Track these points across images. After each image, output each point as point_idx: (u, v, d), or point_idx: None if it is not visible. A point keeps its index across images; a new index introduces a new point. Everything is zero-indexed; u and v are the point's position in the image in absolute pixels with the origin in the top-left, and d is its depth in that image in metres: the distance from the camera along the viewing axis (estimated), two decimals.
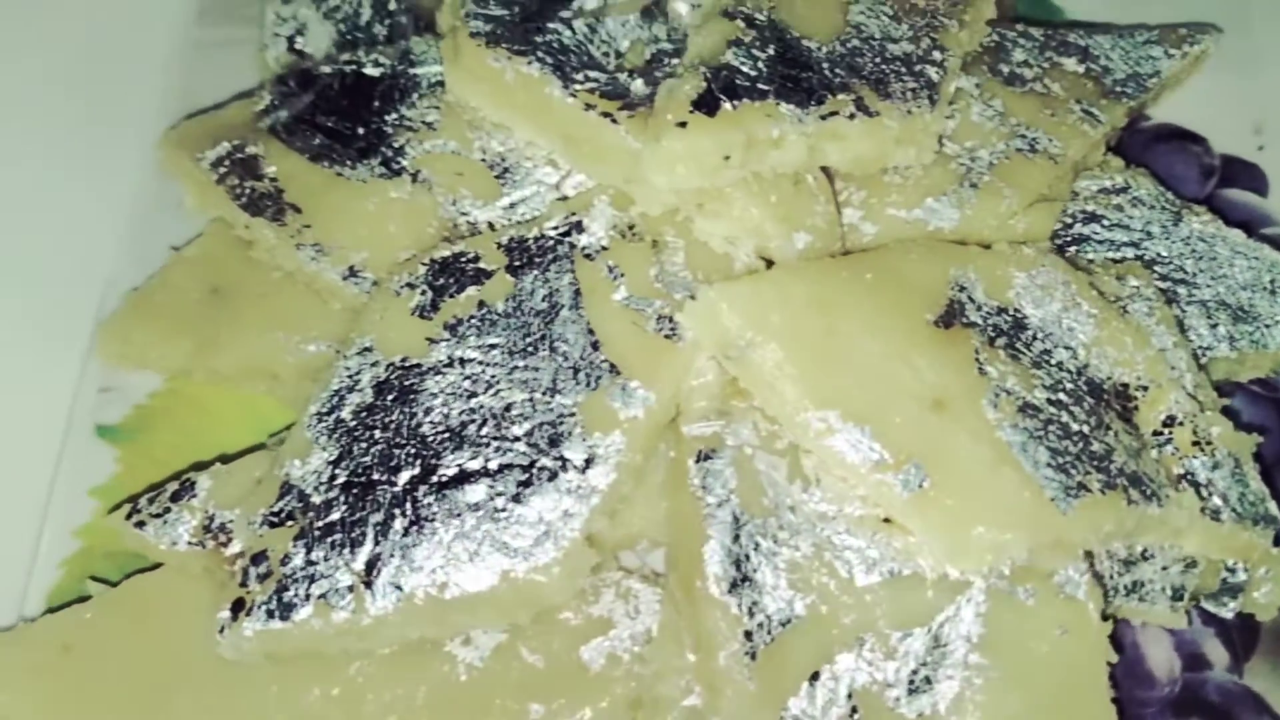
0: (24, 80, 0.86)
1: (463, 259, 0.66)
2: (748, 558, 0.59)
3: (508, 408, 0.61)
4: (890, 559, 0.60)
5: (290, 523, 0.60)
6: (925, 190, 0.69)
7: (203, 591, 0.63)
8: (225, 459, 0.66)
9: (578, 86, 0.66)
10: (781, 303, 0.61)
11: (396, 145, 0.71)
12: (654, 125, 0.61)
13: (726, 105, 0.61)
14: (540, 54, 0.66)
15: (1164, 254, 0.73)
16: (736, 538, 0.60)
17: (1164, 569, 0.64)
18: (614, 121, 0.64)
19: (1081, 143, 0.73)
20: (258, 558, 0.59)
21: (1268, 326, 0.71)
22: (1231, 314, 0.71)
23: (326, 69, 0.75)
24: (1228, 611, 0.66)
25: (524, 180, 0.70)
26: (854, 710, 0.58)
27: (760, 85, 0.63)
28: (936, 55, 0.69)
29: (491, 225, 0.69)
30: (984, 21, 0.74)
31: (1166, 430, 0.63)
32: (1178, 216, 0.75)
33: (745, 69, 0.63)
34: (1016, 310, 0.64)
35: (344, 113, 0.73)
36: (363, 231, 0.69)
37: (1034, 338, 0.63)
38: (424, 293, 0.65)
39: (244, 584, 0.58)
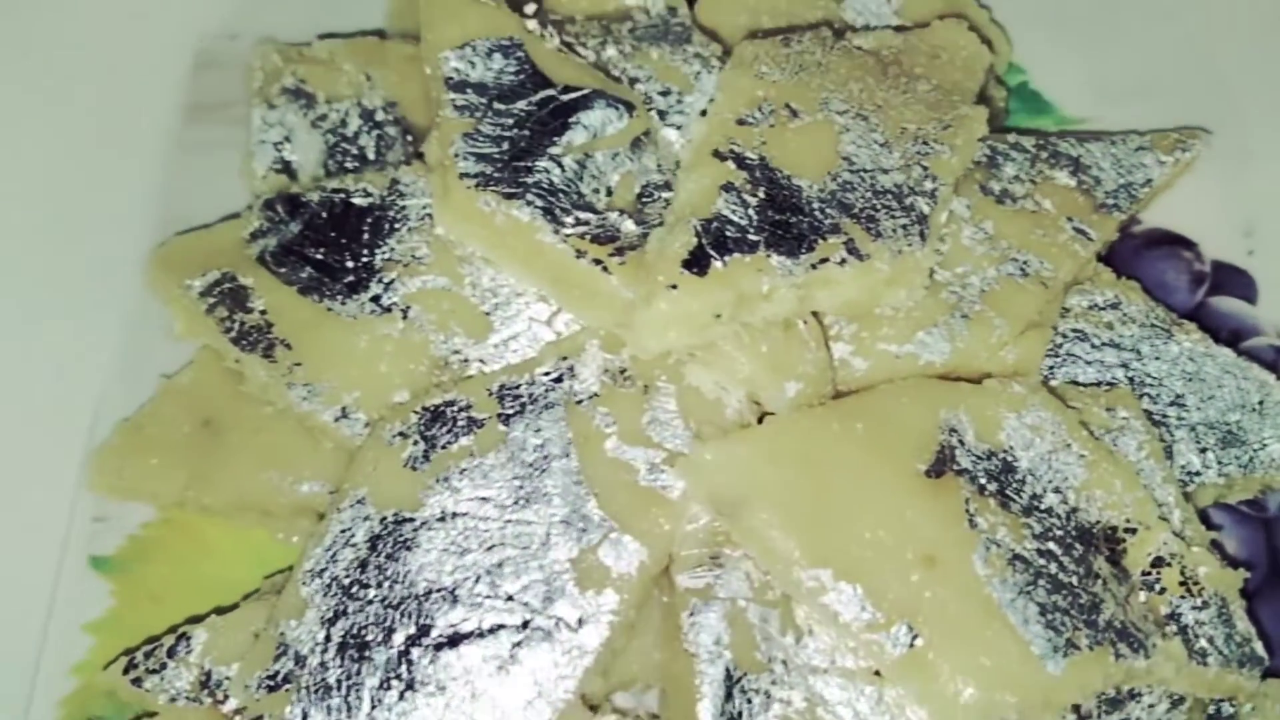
0: (10, 190, 0.85)
1: (454, 407, 0.65)
2: (740, 714, 0.60)
3: (500, 564, 0.62)
4: (881, 713, 0.61)
5: (286, 686, 0.60)
6: (916, 324, 0.69)
7: None
8: (221, 610, 0.66)
9: (568, 231, 0.65)
10: (773, 461, 0.61)
11: (386, 280, 0.70)
12: (645, 287, 0.61)
13: (717, 263, 0.61)
14: (530, 196, 0.66)
15: (1153, 374, 0.73)
16: (729, 694, 0.60)
17: (1151, 706, 0.65)
18: (605, 269, 0.64)
19: (1073, 264, 0.73)
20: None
21: (1256, 450, 0.71)
22: (1220, 438, 0.71)
23: (315, 196, 0.74)
24: None
25: (515, 317, 0.69)
26: None
27: (750, 236, 0.63)
28: (928, 185, 0.69)
29: (483, 362, 0.69)
30: (976, 140, 0.73)
31: (1154, 571, 0.64)
32: (1168, 334, 0.75)
33: (735, 218, 0.63)
34: (1007, 454, 0.65)
35: (333, 244, 0.72)
36: (354, 371, 0.69)
37: (1024, 482, 0.64)
38: (416, 443, 0.65)
39: None
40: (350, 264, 0.71)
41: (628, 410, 0.65)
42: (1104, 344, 0.74)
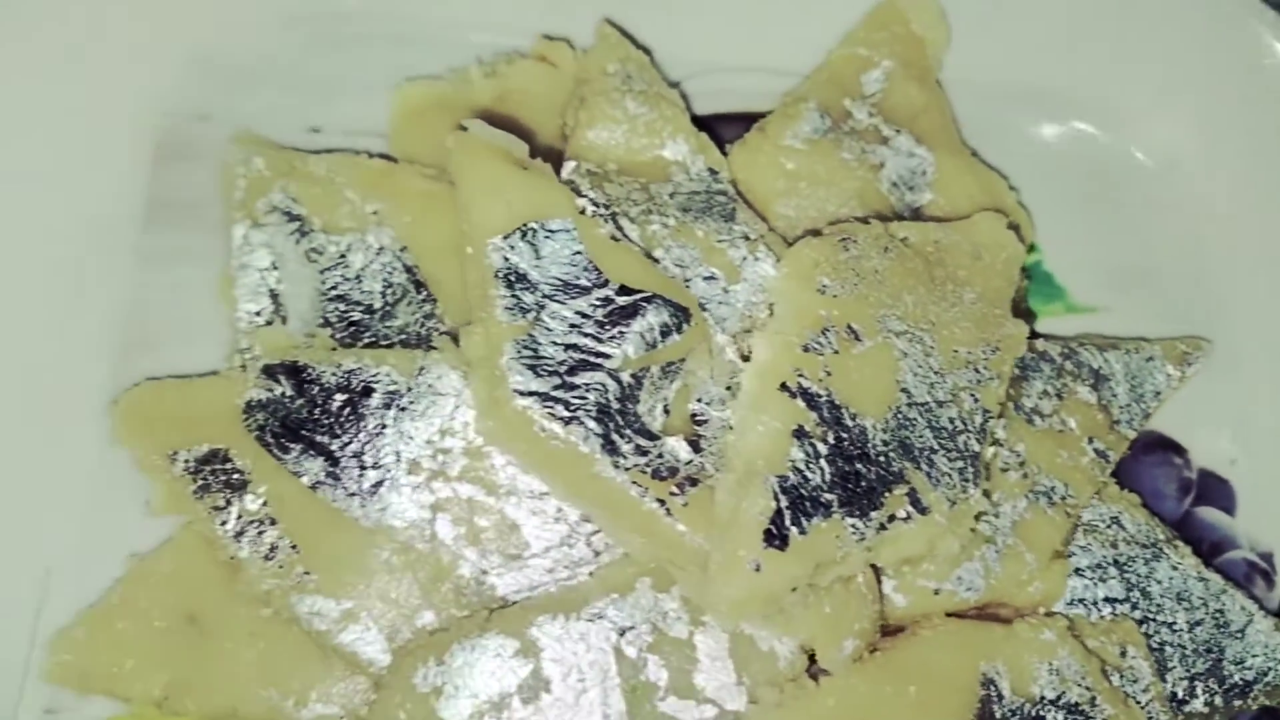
0: None
1: (491, 649, 0.61)
2: None
3: None
4: None
5: None
6: (954, 561, 0.69)
7: None
8: None
9: (628, 464, 0.61)
10: None
11: (411, 485, 0.64)
12: (723, 562, 0.58)
13: (797, 534, 0.59)
14: (588, 421, 0.61)
15: (1151, 595, 0.75)
16: None
17: None
18: (668, 511, 0.61)
19: (1092, 489, 0.75)
20: None
21: (1236, 680, 0.75)
22: (1208, 665, 0.75)
23: (327, 372, 0.66)
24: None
25: (550, 534, 0.65)
26: None
27: (824, 495, 0.61)
28: (978, 420, 0.68)
29: (517, 589, 0.64)
30: (1016, 359, 0.73)
31: None
32: (1163, 554, 0.77)
33: (810, 474, 0.61)
34: (1039, 707, 0.66)
35: (348, 433, 0.65)
36: (374, 587, 0.63)
37: None
38: (449, 689, 0.60)
39: None
40: (368, 460, 0.65)
41: (678, 661, 0.62)
42: (1109, 563, 0.76)
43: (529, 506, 0.65)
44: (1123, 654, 0.71)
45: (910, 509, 0.63)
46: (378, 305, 0.73)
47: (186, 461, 0.65)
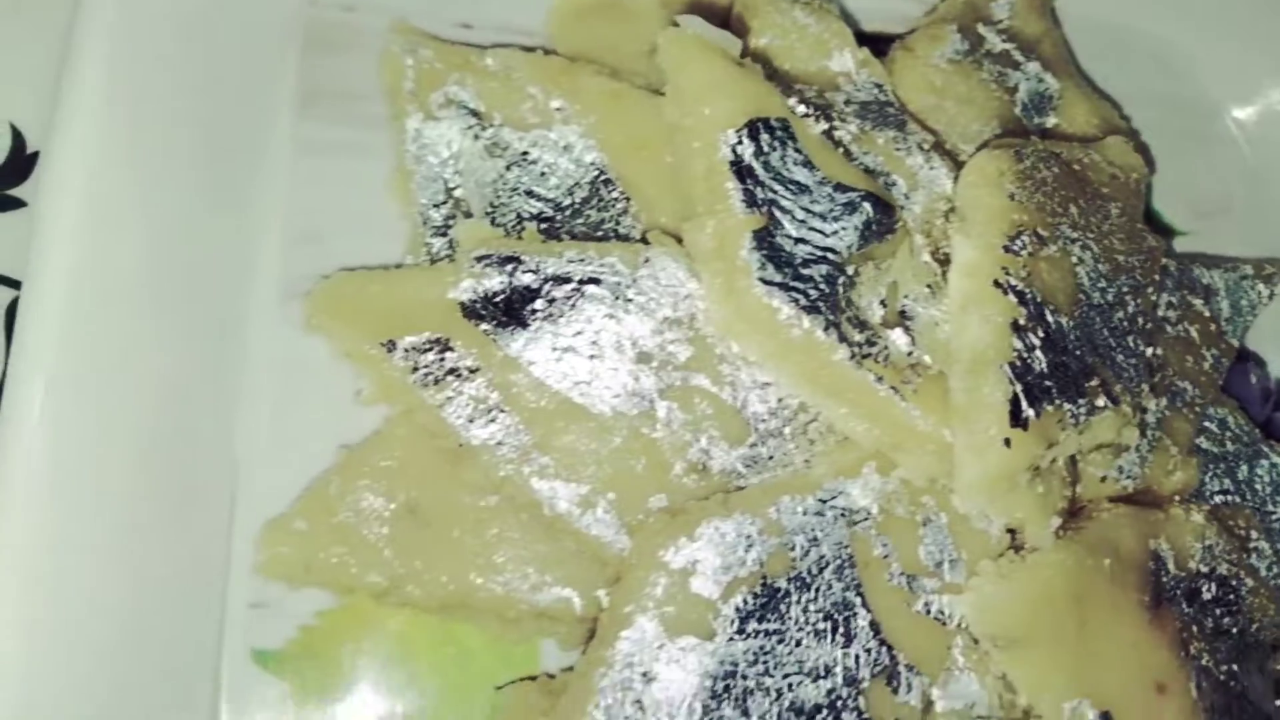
0: (107, 193, 0.67)
1: (737, 528, 0.63)
2: None
3: (796, 701, 0.61)
4: None
5: None
6: (1115, 453, 0.74)
7: None
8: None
9: (860, 352, 0.64)
10: (1048, 601, 0.64)
11: (640, 375, 0.65)
12: (976, 438, 0.61)
13: (1032, 416, 0.63)
14: (824, 310, 0.63)
15: (1255, 488, 0.83)
16: None
17: None
18: (902, 398, 0.64)
19: (1213, 392, 0.81)
20: None
21: None
22: None
23: (548, 264, 0.66)
24: None
25: (771, 423, 0.67)
26: None
27: (1045, 383, 0.65)
28: (1140, 321, 0.74)
29: (740, 472, 0.66)
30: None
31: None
32: (1256, 453, 0.85)
33: (1031, 363, 0.65)
34: (1196, 581, 0.72)
35: (574, 323, 0.65)
36: (607, 471, 0.64)
37: (1211, 608, 0.72)
38: (700, 567, 0.62)
39: None
40: (595, 349, 0.65)
41: (904, 538, 0.65)
42: (1219, 459, 0.83)
43: (751, 395, 0.67)
44: (1247, 537, 0.79)
45: (1105, 399, 0.68)
46: (565, 203, 0.73)
47: (406, 350, 0.64)
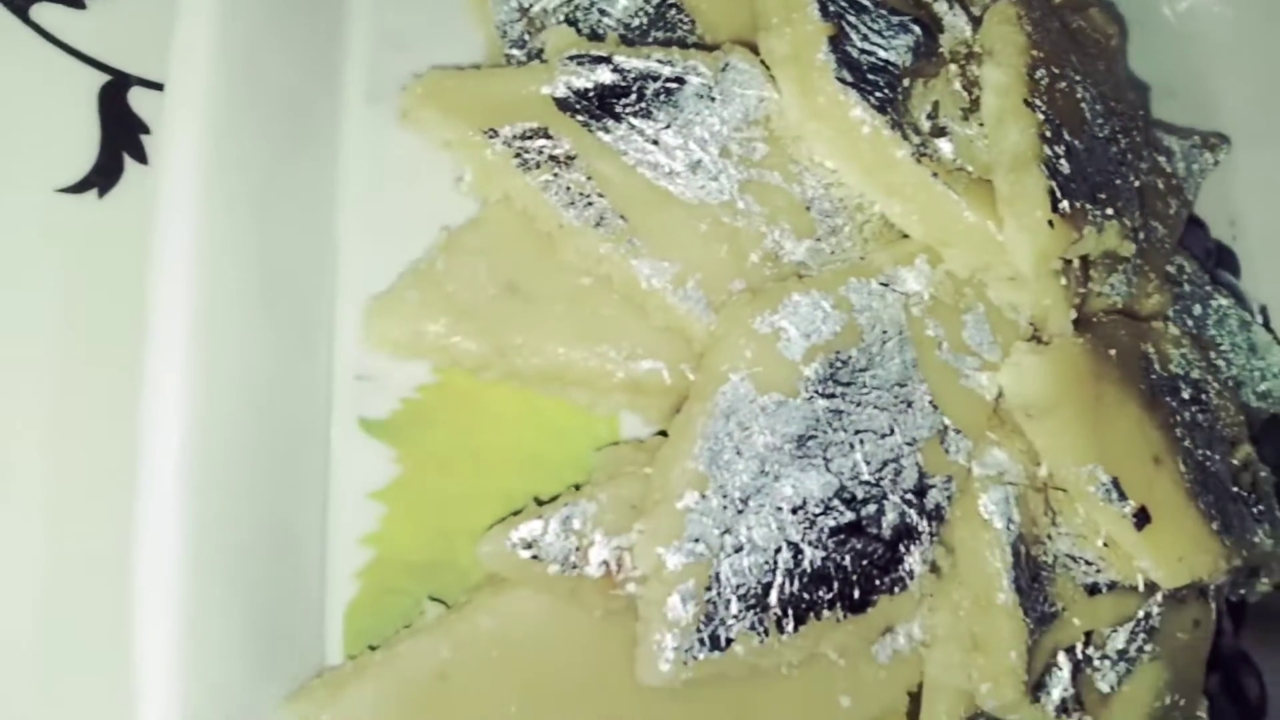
0: None
1: (812, 301, 0.69)
2: (1024, 574, 0.73)
3: (872, 453, 0.68)
4: (1108, 572, 0.77)
5: (698, 552, 0.63)
6: (1109, 270, 0.85)
7: (567, 620, 0.64)
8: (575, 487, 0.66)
9: (918, 151, 0.71)
10: (1074, 375, 0.74)
11: (720, 168, 0.71)
12: (1025, 220, 0.69)
13: (1066, 206, 0.71)
14: (890, 110, 0.71)
15: (1199, 316, 0.95)
16: (1017, 560, 0.73)
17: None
18: (954, 193, 0.72)
19: (1176, 233, 0.93)
20: (681, 590, 0.62)
21: (1258, 386, 0.97)
22: (1240, 374, 0.96)
23: (636, 63, 0.71)
24: (1234, 597, 0.92)
25: (835, 220, 0.74)
26: (1075, 690, 0.76)
27: (1071, 184, 0.74)
28: (1130, 158, 0.84)
29: (805, 263, 0.73)
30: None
31: (1245, 473, 0.87)
32: (1211, 293, 0.98)
33: (1060, 168, 0.74)
34: (1179, 382, 0.83)
35: (664, 119, 0.71)
36: (695, 254, 0.70)
37: (1192, 404, 0.83)
38: (785, 333, 0.68)
39: (672, 618, 0.61)
40: (684, 143, 0.71)
41: (951, 320, 0.73)
42: (1177, 298, 0.95)
43: (817, 193, 0.73)
44: (1210, 361, 0.91)
45: (1112, 210, 0.77)
46: (634, 24, 0.78)
47: (507, 138, 0.68)
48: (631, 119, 0.70)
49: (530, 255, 0.69)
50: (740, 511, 0.64)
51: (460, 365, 0.69)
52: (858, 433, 0.69)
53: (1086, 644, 0.77)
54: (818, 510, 0.66)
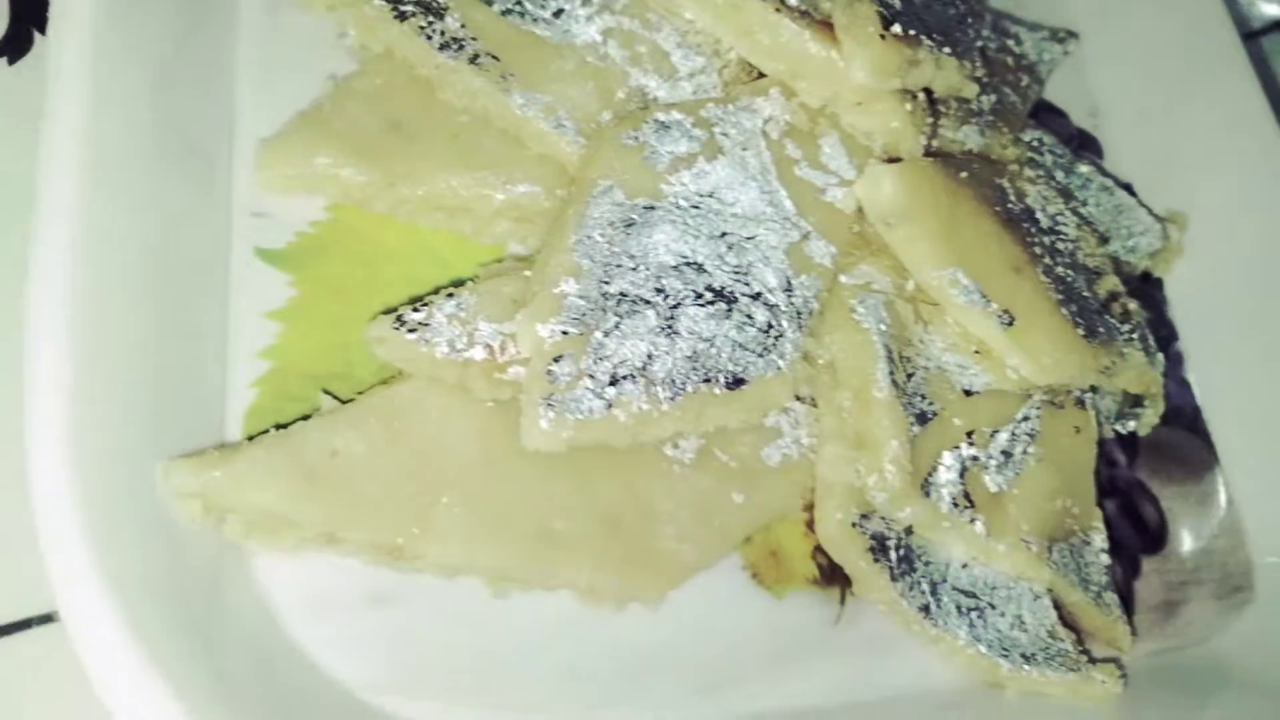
0: None
1: (679, 121, 0.76)
2: (898, 372, 0.78)
3: (732, 248, 0.74)
4: (984, 377, 0.82)
5: (577, 331, 0.67)
6: (960, 120, 0.92)
7: (456, 403, 0.68)
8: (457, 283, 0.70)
9: None
10: (927, 185, 0.80)
11: (585, 15, 0.78)
12: (859, 35, 0.76)
13: (897, 27, 0.79)
14: None
15: (1066, 185, 1.02)
16: (890, 358, 0.78)
17: (1102, 399, 0.94)
18: (800, 28, 0.79)
19: (1027, 105, 1.01)
20: (559, 359, 0.66)
21: (1125, 243, 1.03)
22: (1109, 231, 1.03)
23: None
24: (1126, 430, 0.97)
25: (694, 62, 0.81)
26: (964, 487, 0.79)
27: (904, 17, 0.81)
28: (970, 20, 0.92)
29: (669, 102, 0.79)
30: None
31: (1111, 302, 0.93)
32: (1073, 161, 1.05)
33: (894, 5, 0.81)
34: (1035, 210, 0.89)
35: None
36: (563, 88, 0.76)
37: (1049, 230, 0.89)
38: (650, 148, 0.74)
39: (551, 380, 0.65)
40: None
41: (807, 143, 0.80)
42: (1038, 166, 1.02)
43: (677, 40, 0.80)
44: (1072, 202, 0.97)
45: (950, 51, 0.85)
46: None
47: None
48: None
49: (412, 98, 0.75)
50: (615, 296, 0.69)
51: (350, 198, 0.74)
52: (724, 234, 0.74)
53: (970, 445, 0.81)
54: (689, 296, 0.71)
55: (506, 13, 0.76)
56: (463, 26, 0.75)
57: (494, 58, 0.75)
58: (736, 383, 0.70)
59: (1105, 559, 0.86)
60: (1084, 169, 1.04)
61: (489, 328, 0.68)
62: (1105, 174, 1.06)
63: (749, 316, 0.72)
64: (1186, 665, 0.88)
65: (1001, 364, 0.82)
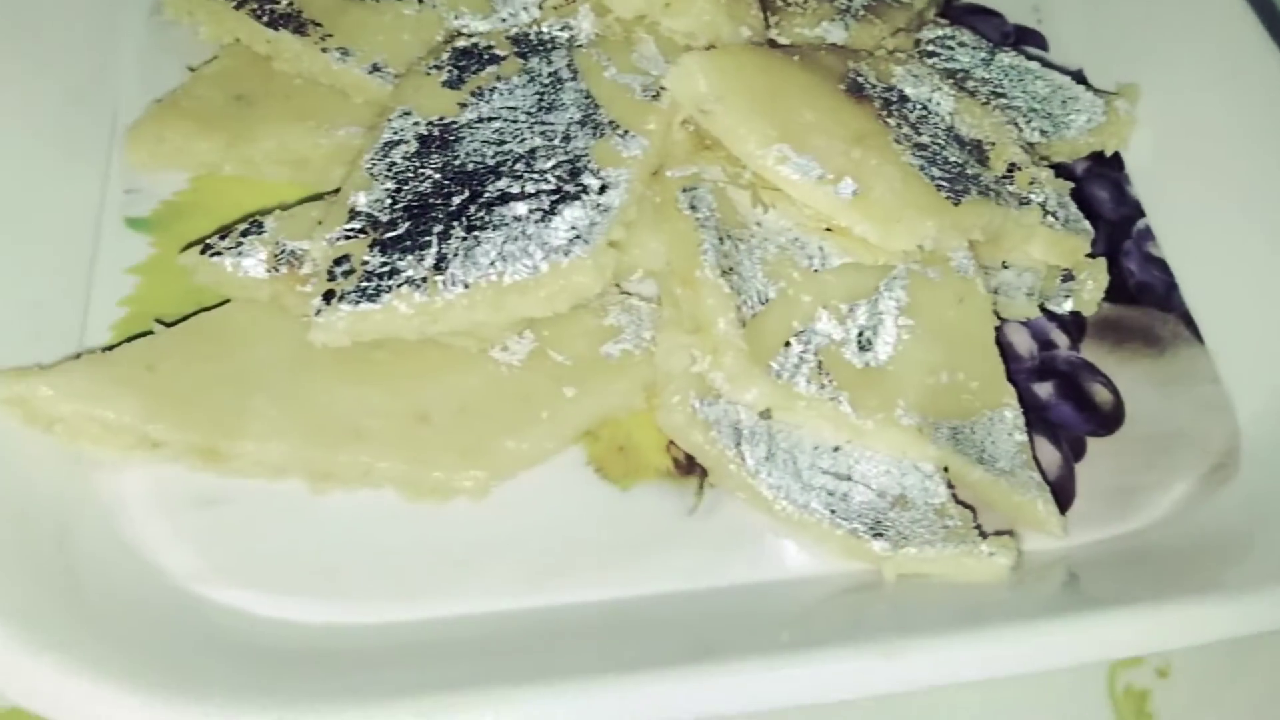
0: None
1: (479, 47, 0.80)
2: (729, 254, 0.76)
3: (532, 151, 0.76)
4: (836, 254, 0.79)
5: (363, 235, 0.71)
6: (820, 16, 0.91)
7: (270, 315, 0.73)
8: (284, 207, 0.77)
9: None
10: (740, 68, 0.79)
11: None
12: None
13: None
14: None
15: (985, 77, 0.97)
16: (722, 240, 0.77)
17: (1019, 275, 0.87)
18: None
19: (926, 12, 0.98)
20: (341, 260, 0.70)
21: (1062, 124, 0.96)
22: (1038, 116, 0.96)
23: None
24: (1065, 308, 0.89)
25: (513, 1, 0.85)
26: (820, 364, 0.76)
27: None
28: None
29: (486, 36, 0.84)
30: None
31: (1010, 173, 0.86)
32: (993, 53, 1.00)
33: None
34: (899, 90, 0.86)
35: None
36: (380, 39, 0.83)
37: (915, 106, 0.85)
38: (450, 71, 0.79)
39: (331, 279, 0.69)
40: None
41: (619, 51, 0.82)
42: (947, 60, 0.98)
43: None
44: (975, 89, 0.92)
45: None
46: None
47: None
48: None
49: (255, 74, 0.84)
50: (405, 205, 0.73)
51: (205, 166, 0.83)
52: (524, 140, 0.76)
53: (826, 321, 0.77)
54: (489, 199, 0.73)
55: None
56: (290, 3, 0.84)
57: (317, 24, 0.83)
58: (533, 272, 0.72)
59: (1020, 436, 0.79)
60: (1006, 59, 0.99)
61: (292, 246, 0.73)
62: (1033, 61, 1.00)
63: (550, 211, 0.74)
64: (1143, 549, 0.78)
65: (858, 240, 0.79)
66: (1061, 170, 0.96)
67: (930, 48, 0.99)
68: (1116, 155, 0.99)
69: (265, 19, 0.83)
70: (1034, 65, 1.00)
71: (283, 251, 0.73)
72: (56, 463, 0.70)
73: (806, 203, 0.79)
